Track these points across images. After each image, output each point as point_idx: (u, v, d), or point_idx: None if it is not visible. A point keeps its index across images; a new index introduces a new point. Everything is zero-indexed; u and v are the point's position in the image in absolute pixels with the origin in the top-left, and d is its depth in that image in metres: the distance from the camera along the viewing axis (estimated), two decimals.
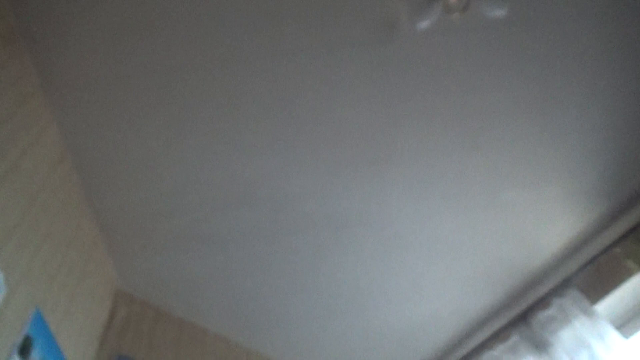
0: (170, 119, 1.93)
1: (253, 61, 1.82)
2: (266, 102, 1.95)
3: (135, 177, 2.08)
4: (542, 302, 2.69)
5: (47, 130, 1.83)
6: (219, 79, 1.85)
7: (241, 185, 2.18)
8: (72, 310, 1.94)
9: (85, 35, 1.68)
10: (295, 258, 2.52)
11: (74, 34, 1.67)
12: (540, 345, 2.55)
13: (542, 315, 2.63)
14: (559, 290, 2.65)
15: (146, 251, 2.36)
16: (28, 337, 1.53)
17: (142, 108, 1.88)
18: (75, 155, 1.98)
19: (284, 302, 2.73)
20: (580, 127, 2.22)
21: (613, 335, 2.33)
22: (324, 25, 1.77)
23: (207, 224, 2.28)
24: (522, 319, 2.74)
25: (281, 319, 2.81)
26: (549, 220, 2.59)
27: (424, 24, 1.70)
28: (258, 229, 2.35)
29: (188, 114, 1.93)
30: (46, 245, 1.74)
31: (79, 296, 2.02)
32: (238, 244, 2.40)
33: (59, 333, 1.80)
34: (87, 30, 1.66)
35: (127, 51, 1.73)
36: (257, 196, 2.23)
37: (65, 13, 1.62)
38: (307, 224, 2.38)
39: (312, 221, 2.37)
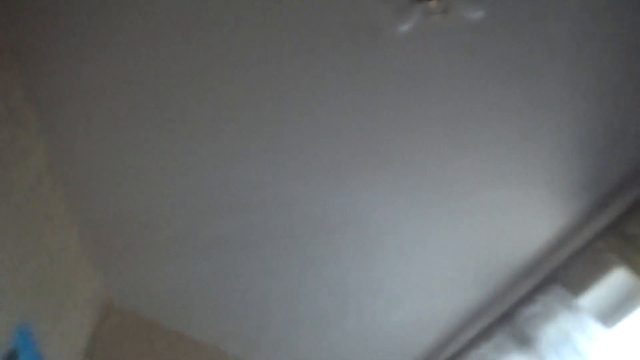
0: (158, 126, 1.93)
1: (240, 68, 1.84)
2: (254, 108, 1.95)
3: (122, 186, 2.07)
4: (527, 299, 2.73)
5: (34, 142, 1.82)
6: (206, 86, 1.86)
7: (231, 192, 2.18)
8: (59, 323, 1.93)
9: (73, 46, 1.67)
10: (286, 265, 2.52)
11: (62, 45, 1.67)
12: (525, 341, 2.58)
13: (527, 311, 2.66)
14: (542, 286, 2.69)
15: (135, 262, 2.34)
16: (13, 350, 1.51)
17: (131, 116, 1.87)
18: (62, 166, 1.97)
19: (275, 310, 2.72)
20: (558, 126, 2.27)
21: (595, 327, 2.37)
22: (306, 31, 1.80)
23: (197, 233, 2.28)
24: (507, 316, 2.77)
25: (273, 326, 2.80)
26: (531, 218, 2.63)
27: (404, 27, 1.74)
28: (249, 237, 2.35)
29: (176, 121, 1.93)
30: (32, 258, 1.73)
31: (65, 309, 2.00)
32: (229, 252, 2.39)
33: (45, 346, 1.78)
34: (75, 41, 1.66)
35: (115, 62, 1.73)
36: (248, 203, 2.23)
37: (53, 24, 1.62)
38: (295, 231, 2.39)
39: (299, 228, 2.38)
